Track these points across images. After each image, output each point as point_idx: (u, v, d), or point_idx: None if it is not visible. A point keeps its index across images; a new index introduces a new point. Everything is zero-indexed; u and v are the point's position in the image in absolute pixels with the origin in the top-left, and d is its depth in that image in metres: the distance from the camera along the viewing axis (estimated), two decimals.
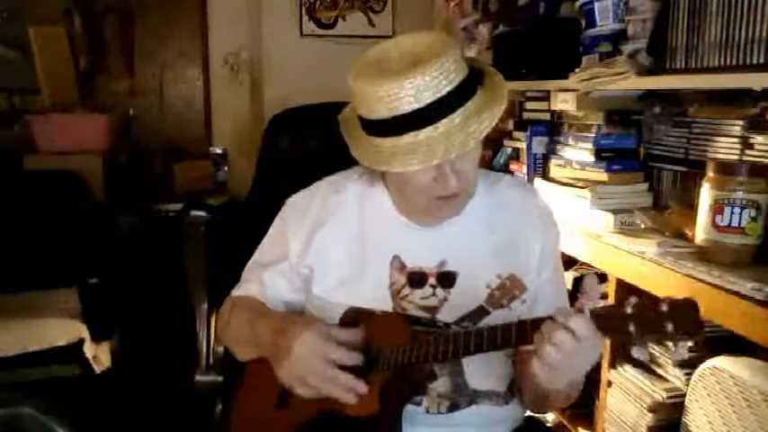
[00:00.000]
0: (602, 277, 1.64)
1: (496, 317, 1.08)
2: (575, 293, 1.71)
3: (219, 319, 1.22)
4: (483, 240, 1.11)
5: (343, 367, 0.97)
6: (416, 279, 1.08)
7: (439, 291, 1.08)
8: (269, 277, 1.16)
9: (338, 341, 0.99)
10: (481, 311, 1.08)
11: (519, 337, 0.91)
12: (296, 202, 1.20)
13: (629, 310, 0.83)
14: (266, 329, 1.05)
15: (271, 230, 1.22)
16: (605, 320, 0.85)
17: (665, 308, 0.81)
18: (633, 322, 0.82)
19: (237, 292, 1.20)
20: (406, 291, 1.08)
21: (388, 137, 0.99)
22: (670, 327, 0.80)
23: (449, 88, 0.96)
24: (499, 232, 1.12)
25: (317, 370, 0.96)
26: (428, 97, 0.95)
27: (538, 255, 1.12)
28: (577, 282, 1.75)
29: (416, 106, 0.95)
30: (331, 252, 1.12)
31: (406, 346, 0.99)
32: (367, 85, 0.98)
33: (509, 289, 1.09)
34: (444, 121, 0.96)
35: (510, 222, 1.13)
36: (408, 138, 0.97)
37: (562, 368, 0.86)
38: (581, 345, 0.84)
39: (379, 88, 0.96)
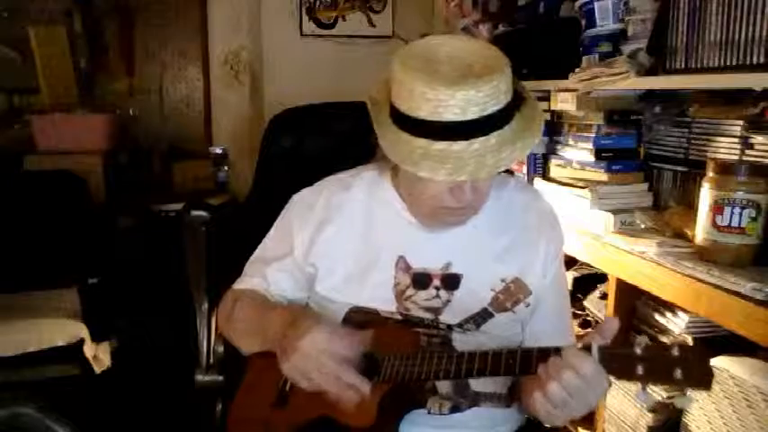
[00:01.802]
0: (602, 277, 1.64)
1: (500, 320, 1.08)
2: (575, 294, 1.71)
3: (221, 311, 1.20)
4: (488, 243, 1.11)
5: None
6: (421, 280, 1.08)
7: (443, 292, 1.08)
8: (272, 273, 1.16)
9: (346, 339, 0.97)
10: (485, 314, 1.08)
11: (523, 367, 0.90)
12: (302, 198, 1.19)
13: (638, 352, 0.82)
14: (277, 320, 1.03)
15: (275, 226, 1.21)
16: (613, 360, 0.83)
17: (675, 352, 0.80)
18: (642, 365, 0.81)
19: (240, 285, 1.19)
20: (410, 291, 1.08)
21: (420, 137, 0.96)
22: (678, 373, 0.79)
23: (495, 108, 0.94)
24: (505, 235, 1.12)
25: (323, 365, 0.94)
26: (473, 113, 0.93)
27: (542, 258, 1.12)
28: (578, 282, 1.75)
29: (460, 119, 0.93)
30: (336, 250, 1.12)
31: (409, 361, 0.98)
32: (417, 81, 0.94)
33: (513, 292, 1.09)
34: (481, 139, 0.94)
35: (516, 226, 1.13)
36: (441, 145, 0.94)
37: (564, 406, 0.86)
38: (587, 386, 0.83)
39: (428, 90, 0.93)
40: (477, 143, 0.94)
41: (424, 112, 0.94)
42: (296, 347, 0.95)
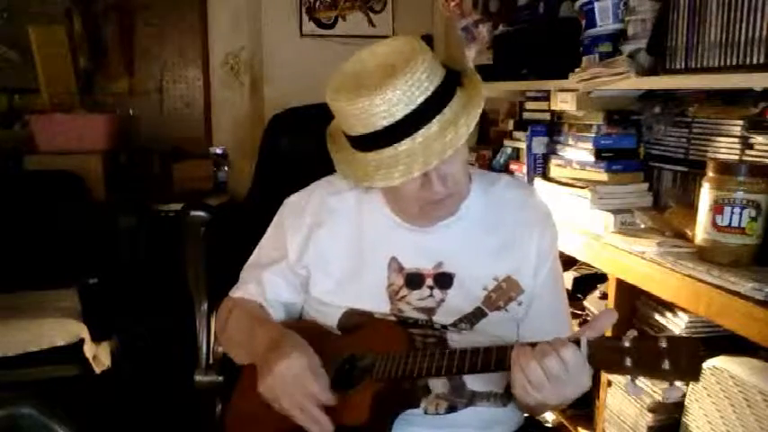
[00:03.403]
0: (602, 277, 1.64)
1: (493, 319, 1.08)
2: (575, 294, 1.71)
3: (217, 320, 1.22)
4: (480, 242, 1.11)
5: None
6: (414, 280, 1.08)
7: (436, 292, 1.08)
8: (267, 278, 1.16)
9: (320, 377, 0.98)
10: (478, 313, 1.08)
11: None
12: (294, 202, 1.20)
13: (626, 344, 0.82)
14: (262, 339, 1.05)
15: (269, 231, 1.22)
16: (601, 352, 0.84)
17: (663, 344, 0.80)
18: (630, 356, 0.81)
19: (236, 293, 1.20)
20: (404, 292, 1.08)
21: (370, 151, 0.98)
22: (666, 365, 0.79)
23: (422, 98, 0.95)
24: (496, 233, 1.12)
25: (293, 395, 0.96)
26: (401, 111, 0.94)
27: (534, 256, 1.12)
28: (578, 282, 1.75)
29: (390, 121, 0.95)
30: (329, 253, 1.12)
31: (401, 359, 0.98)
32: (342, 102, 0.97)
33: (506, 291, 1.09)
34: (422, 131, 0.95)
35: (507, 223, 1.13)
36: (389, 151, 0.96)
37: (540, 388, 0.86)
38: (566, 375, 0.84)
39: (352, 106, 0.95)
40: (420, 136, 0.95)
41: (360, 127, 0.97)
42: (272, 370, 0.97)
